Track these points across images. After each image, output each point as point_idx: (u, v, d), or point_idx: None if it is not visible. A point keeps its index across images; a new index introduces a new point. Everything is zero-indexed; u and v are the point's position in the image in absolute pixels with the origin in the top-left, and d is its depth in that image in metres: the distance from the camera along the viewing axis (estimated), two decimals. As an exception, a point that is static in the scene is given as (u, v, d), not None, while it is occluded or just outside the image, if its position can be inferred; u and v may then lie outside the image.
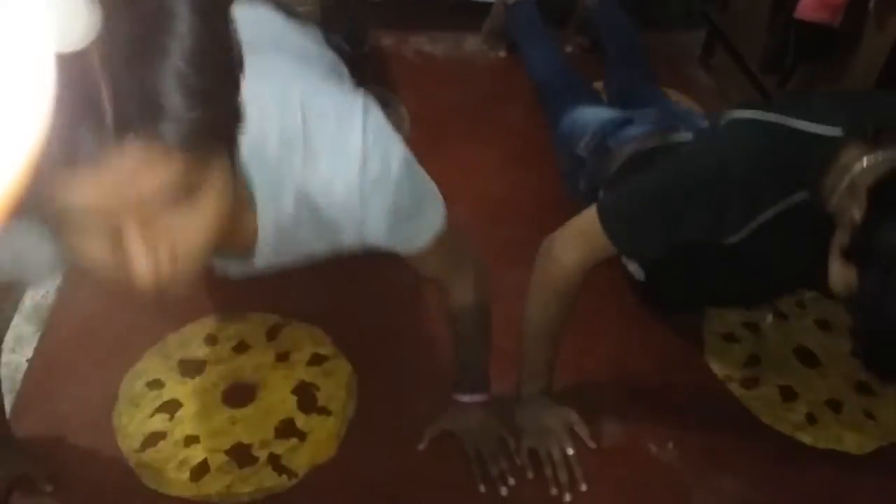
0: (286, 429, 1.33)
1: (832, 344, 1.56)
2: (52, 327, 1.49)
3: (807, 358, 1.53)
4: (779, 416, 1.42)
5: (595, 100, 1.89)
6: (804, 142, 1.03)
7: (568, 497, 1.26)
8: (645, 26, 2.23)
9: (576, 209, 1.20)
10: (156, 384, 1.39)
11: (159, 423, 1.33)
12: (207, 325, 1.50)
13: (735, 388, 1.46)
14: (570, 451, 1.31)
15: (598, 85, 2.11)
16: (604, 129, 1.63)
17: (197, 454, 1.28)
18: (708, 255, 1.20)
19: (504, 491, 1.26)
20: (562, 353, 1.30)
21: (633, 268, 1.57)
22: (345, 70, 1.26)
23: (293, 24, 1.24)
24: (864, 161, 0.96)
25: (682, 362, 1.51)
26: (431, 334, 1.51)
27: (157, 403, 1.35)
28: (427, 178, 0.94)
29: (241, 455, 1.28)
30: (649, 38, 2.19)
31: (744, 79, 2.21)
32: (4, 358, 1.41)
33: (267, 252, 0.85)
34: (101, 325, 1.48)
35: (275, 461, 1.28)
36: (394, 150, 0.84)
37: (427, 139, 1.92)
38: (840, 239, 0.96)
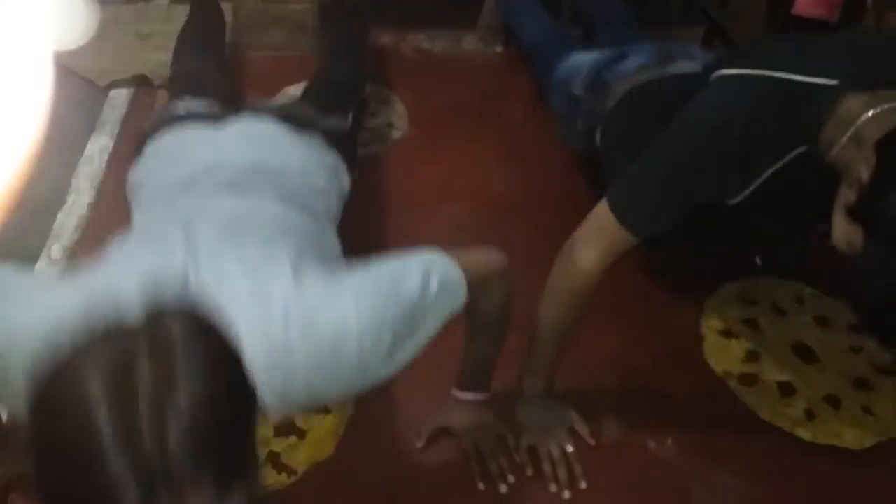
0: (285, 427, 1.33)
1: (830, 340, 1.56)
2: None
3: (805, 354, 1.53)
4: (777, 412, 1.42)
5: (588, 49, 1.88)
6: (802, 93, 1.01)
7: (567, 494, 1.27)
8: (644, 23, 2.22)
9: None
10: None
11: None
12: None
13: (734, 385, 1.47)
14: (570, 449, 1.31)
15: None
16: (598, 65, 1.63)
17: (196, 453, 1.28)
18: (710, 212, 1.17)
19: (503, 488, 1.26)
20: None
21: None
22: (340, 209, 1.31)
23: (294, 137, 1.30)
24: (870, 111, 0.94)
25: (680, 359, 1.52)
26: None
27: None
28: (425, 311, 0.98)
29: (240, 453, 1.28)
30: (648, 35, 2.18)
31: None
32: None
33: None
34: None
35: (274, 459, 1.28)
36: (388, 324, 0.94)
37: (426, 137, 1.90)
38: (845, 195, 0.94)
